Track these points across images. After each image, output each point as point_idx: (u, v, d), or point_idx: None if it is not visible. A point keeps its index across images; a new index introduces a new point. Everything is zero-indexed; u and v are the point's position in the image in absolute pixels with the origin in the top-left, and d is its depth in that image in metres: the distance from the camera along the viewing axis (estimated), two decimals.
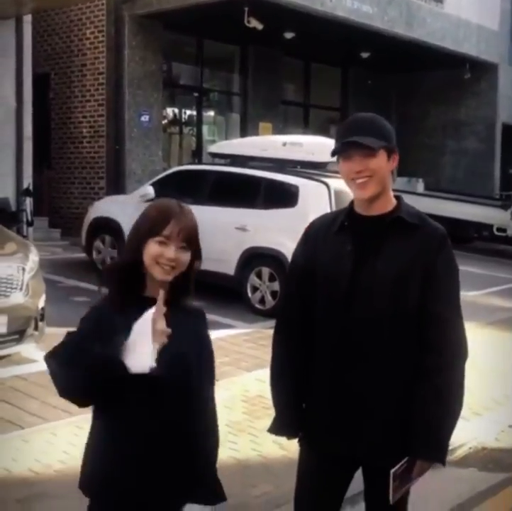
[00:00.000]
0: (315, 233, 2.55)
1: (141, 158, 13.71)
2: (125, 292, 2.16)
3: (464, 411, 5.69)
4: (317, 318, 2.49)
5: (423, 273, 2.35)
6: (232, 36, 14.88)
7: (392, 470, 2.34)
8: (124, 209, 10.19)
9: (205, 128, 15.67)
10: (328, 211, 8.11)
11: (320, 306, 2.47)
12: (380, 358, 2.38)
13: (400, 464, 2.37)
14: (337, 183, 8.46)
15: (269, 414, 2.78)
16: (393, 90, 18.95)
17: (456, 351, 2.42)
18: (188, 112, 15.53)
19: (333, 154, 2.47)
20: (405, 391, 2.38)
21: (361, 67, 17.96)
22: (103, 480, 2.17)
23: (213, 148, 10.48)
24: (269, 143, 9.53)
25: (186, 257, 2.18)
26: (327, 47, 15.97)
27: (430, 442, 2.37)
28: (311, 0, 12.89)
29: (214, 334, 8.13)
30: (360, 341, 2.39)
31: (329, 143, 9.26)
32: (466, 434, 5.28)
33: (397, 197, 2.49)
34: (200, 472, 2.20)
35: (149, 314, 1.99)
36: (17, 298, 5.60)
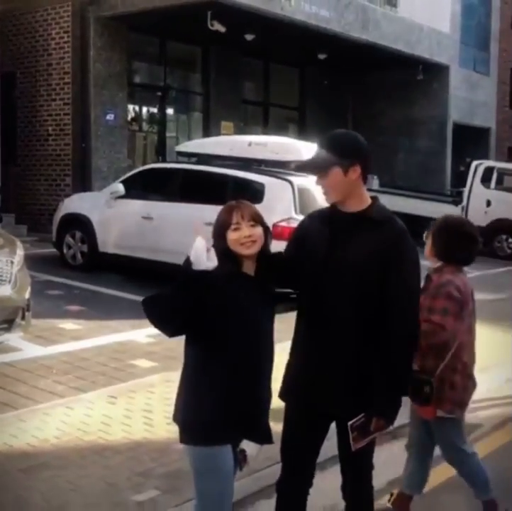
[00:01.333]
0: (307, 223, 3.10)
1: (106, 155, 14.05)
2: (226, 269, 2.77)
3: None
4: (299, 292, 3.01)
5: (382, 261, 2.86)
6: (194, 37, 15.30)
7: (349, 423, 2.89)
8: (94, 206, 10.59)
9: (168, 127, 16.05)
10: (292, 206, 8.72)
11: (302, 283, 2.99)
12: (344, 326, 2.90)
13: (357, 418, 2.90)
14: (300, 181, 9.01)
15: None
16: (349, 90, 19.46)
17: (409, 330, 2.93)
18: (151, 111, 15.89)
19: (297, 170, 3.04)
20: (366, 356, 2.90)
21: (318, 68, 18.50)
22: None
23: (181, 147, 10.90)
24: (235, 143, 9.99)
25: (258, 230, 2.82)
26: (286, 49, 16.46)
27: (383, 404, 2.91)
28: (272, 4, 13.36)
29: None
30: (328, 312, 2.91)
31: (291, 143, 9.83)
32: None
33: (373, 197, 3.01)
34: (261, 415, 2.85)
35: (199, 240, 2.66)
36: (6, 290, 5.97)
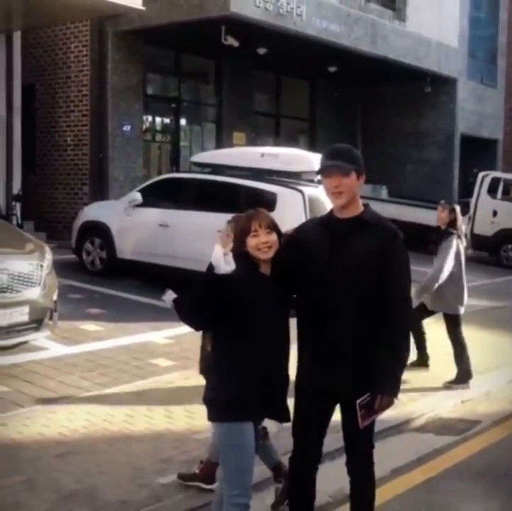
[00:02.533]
0: (305, 231, 3.48)
1: (123, 165, 14.48)
2: (245, 271, 3.18)
3: (425, 389, 6.66)
4: (303, 292, 3.38)
5: (378, 259, 3.26)
6: (207, 50, 15.73)
7: (358, 401, 3.27)
8: (113, 214, 11.01)
9: (182, 137, 16.48)
10: (303, 215, 9.10)
11: (306, 284, 3.37)
12: (348, 319, 3.29)
13: (364, 397, 3.28)
14: (311, 190, 9.40)
15: None
16: (359, 102, 19.77)
17: (405, 318, 3.37)
18: (166, 121, 16.33)
19: (319, 173, 3.41)
20: (369, 343, 3.29)
21: (328, 80, 18.88)
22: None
23: (196, 158, 11.30)
24: (248, 154, 10.38)
25: (274, 237, 3.24)
26: (297, 62, 16.84)
27: (386, 382, 3.29)
28: (284, 20, 13.78)
29: None
30: (333, 307, 3.29)
31: (302, 155, 10.21)
32: (425, 407, 6.23)
33: (365, 204, 3.41)
34: (279, 395, 3.27)
35: (217, 248, 3.07)
36: (36, 292, 6.39)
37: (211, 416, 3.28)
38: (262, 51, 15.31)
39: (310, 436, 3.45)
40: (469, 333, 9.17)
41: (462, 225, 7.29)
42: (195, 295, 3.13)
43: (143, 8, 11.35)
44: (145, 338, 7.90)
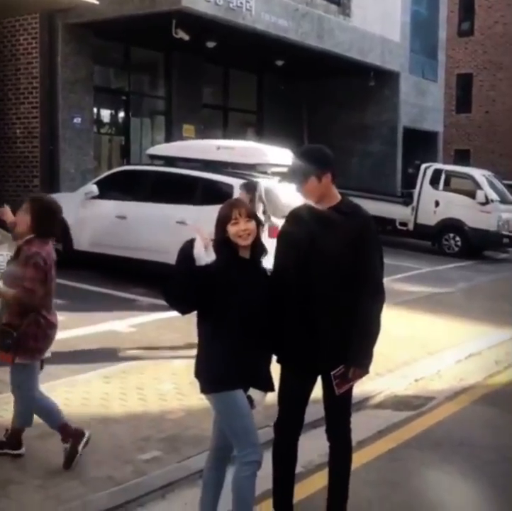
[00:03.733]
0: (292, 220, 3.79)
1: (74, 158, 14.51)
2: (226, 256, 3.47)
3: (380, 369, 7.08)
4: (288, 275, 3.68)
5: (354, 245, 3.58)
6: (157, 44, 15.87)
7: (332, 373, 3.63)
8: (68, 206, 10.98)
9: (132, 129, 16.58)
10: (259, 205, 9.37)
11: (292, 267, 3.66)
12: (328, 300, 3.60)
13: (338, 369, 3.63)
14: (266, 182, 9.70)
15: None
16: (305, 96, 20.14)
17: (378, 297, 3.69)
18: (116, 114, 16.41)
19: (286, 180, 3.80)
20: (345, 321, 3.61)
21: (276, 74, 19.22)
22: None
23: (152, 150, 11.46)
24: (204, 147, 10.60)
25: (252, 225, 3.50)
26: (246, 56, 17.13)
27: (359, 355, 3.64)
28: (234, 14, 14.03)
29: (160, 316, 9.51)
30: (314, 289, 3.60)
31: (257, 147, 10.51)
32: (382, 386, 6.62)
33: (342, 194, 3.74)
34: (263, 365, 3.59)
35: (198, 240, 3.36)
36: None
37: (205, 389, 3.56)
38: (211, 45, 15.51)
39: (293, 404, 3.75)
40: (417, 317, 9.72)
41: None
42: (178, 284, 3.44)
43: (97, 2, 11.44)
44: (109, 327, 8.09)
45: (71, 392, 5.89)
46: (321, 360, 3.66)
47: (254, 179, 9.68)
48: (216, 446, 3.71)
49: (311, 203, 3.70)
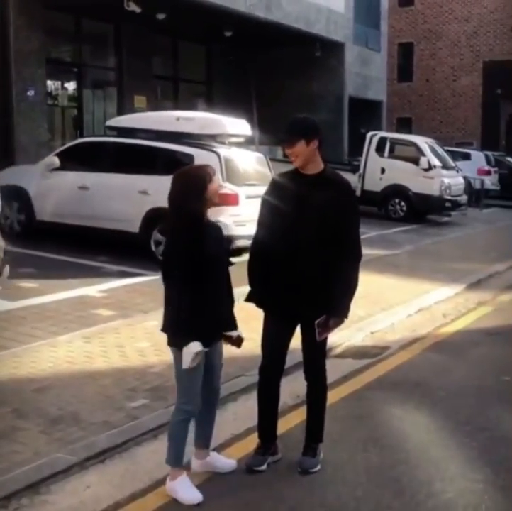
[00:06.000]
0: (276, 185, 4.24)
1: (28, 130, 14.64)
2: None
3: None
4: (274, 237, 4.15)
5: (336, 209, 4.06)
6: (107, 15, 15.99)
7: (316, 321, 4.13)
8: (30, 178, 11.36)
9: (84, 101, 16.73)
10: (219, 175, 9.77)
11: (277, 230, 4.14)
12: (310, 257, 4.10)
13: (321, 318, 4.13)
14: (225, 152, 10.13)
15: None
16: (253, 66, 20.41)
17: (356, 256, 4.21)
18: (69, 86, 16.53)
19: (280, 144, 4.23)
20: (326, 276, 4.12)
21: (224, 45, 19.49)
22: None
23: (111, 122, 11.71)
24: (164, 118, 10.90)
25: None
26: (194, 27, 17.37)
27: (339, 307, 4.16)
28: None
29: (128, 281, 9.95)
30: (299, 248, 4.08)
31: (216, 119, 10.88)
32: (342, 338, 7.18)
33: (325, 163, 4.20)
34: (227, 315, 4.02)
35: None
36: None
37: (172, 342, 3.94)
38: (161, 16, 15.73)
39: (276, 349, 4.26)
40: (370, 277, 10.30)
41: None
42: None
43: None
44: (81, 292, 8.45)
45: (55, 351, 6.29)
46: (303, 309, 4.15)
47: (214, 149, 10.09)
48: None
49: (297, 167, 4.13)
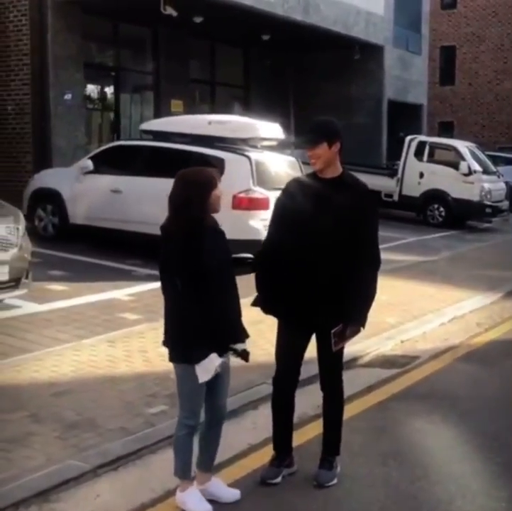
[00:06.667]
0: (292, 188, 4.10)
1: (65, 134, 14.71)
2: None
3: (368, 332, 7.48)
4: (289, 243, 4.01)
5: (355, 215, 3.92)
6: (144, 19, 16.02)
7: (332, 331, 3.98)
8: (64, 181, 11.41)
9: (121, 105, 16.80)
10: (250, 179, 9.71)
11: (292, 236, 3.99)
12: (327, 265, 3.95)
13: (337, 328, 3.99)
14: (257, 155, 10.05)
15: None
16: (291, 69, 20.31)
17: (375, 264, 4.06)
18: (106, 90, 16.63)
19: (297, 146, 4.10)
20: (343, 284, 3.97)
21: (261, 48, 19.41)
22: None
23: (145, 125, 11.71)
24: (196, 122, 10.85)
25: None
26: (231, 30, 17.31)
27: (356, 316, 4.01)
28: None
29: (155, 285, 9.67)
30: (316, 255, 3.94)
31: (248, 122, 10.81)
32: (370, 347, 7.03)
33: (344, 167, 4.06)
34: (240, 323, 3.81)
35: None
36: (15, 253, 6.86)
37: (178, 358, 3.77)
38: (198, 20, 15.72)
39: (290, 360, 4.12)
40: (402, 284, 10.13)
41: None
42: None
43: None
44: (109, 296, 8.44)
45: (78, 355, 6.25)
46: (319, 318, 4.00)
47: (246, 153, 10.00)
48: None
49: (316, 170, 4.00)
